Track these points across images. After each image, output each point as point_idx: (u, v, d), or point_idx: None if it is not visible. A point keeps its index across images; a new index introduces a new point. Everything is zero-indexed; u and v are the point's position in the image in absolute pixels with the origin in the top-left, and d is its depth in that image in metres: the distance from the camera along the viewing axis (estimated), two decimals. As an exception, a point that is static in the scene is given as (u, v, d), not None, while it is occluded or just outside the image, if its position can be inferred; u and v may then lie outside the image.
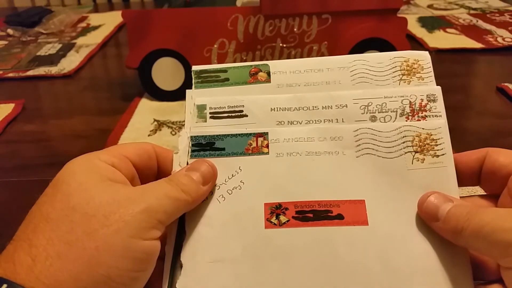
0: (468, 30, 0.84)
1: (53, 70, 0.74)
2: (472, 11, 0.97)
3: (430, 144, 0.27)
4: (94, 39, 0.89)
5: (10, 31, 0.93)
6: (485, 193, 0.27)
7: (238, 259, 0.26)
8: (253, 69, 0.30)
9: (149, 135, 0.53)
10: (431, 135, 0.27)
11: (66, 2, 1.35)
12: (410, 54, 0.29)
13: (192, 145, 0.28)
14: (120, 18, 0.61)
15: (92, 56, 0.81)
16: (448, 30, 0.85)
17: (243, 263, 0.26)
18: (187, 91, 0.30)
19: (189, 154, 0.28)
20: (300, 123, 0.29)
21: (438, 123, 0.27)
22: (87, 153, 0.25)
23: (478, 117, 0.55)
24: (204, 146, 0.28)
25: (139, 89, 0.62)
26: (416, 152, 0.27)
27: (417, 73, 0.29)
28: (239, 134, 0.28)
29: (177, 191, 0.24)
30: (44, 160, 0.50)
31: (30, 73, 0.73)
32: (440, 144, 0.27)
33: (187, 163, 0.27)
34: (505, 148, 0.26)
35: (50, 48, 0.84)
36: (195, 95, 0.30)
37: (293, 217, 0.26)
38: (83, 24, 1.00)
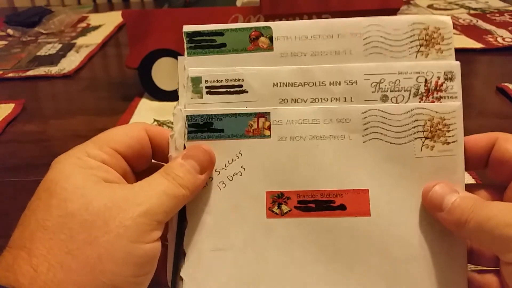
0: (468, 30, 0.84)
1: (53, 70, 0.74)
2: (472, 11, 0.97)
3: (442, 130, 0.26)
4: (94, 39, 0.89)
5: (10, 31, 0.93)
6: (490, 184, 0.27)
7: (240, 248, 0.26)
8: (253, 33, 0.27)
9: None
10: (444, 119, 0.26)
11: (66, 2, 1.35)
12: (431, 20, 0.26)
13: (188, 125, 0.26)
14: (120, 18, 0.60)
15: (92, 56, 0.81)
16: (448, 30, 0.85)
17: (245, 252, 0.26)
18: (179, 58, 0.27)
19: (186, 136, 0.26)
20: (305, 101, 0.26)
21: (453, 106, 0.26)
22: (74, 148, 0.24)
23: (478, 117, 0.55)
24: (201, 127, 0.26)
25: (139, 89, 0.62)
26: (426, 138, 0.25)
27: (437, 44, 0.26)
28: (238, 114, 0.26)
29: (175, 186, 0.23)
30: (44, 160, 0.49)
31: (30, 73, 0.73)
32: (452, 130, 0.26)
33: (184, 146, 0.26)
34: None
35: (50, 48, 0.84)
36: (188, 65, 0.27)
37: (295, 207, 0.26)
38: (83, 24, 1.00)
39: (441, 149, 0.25)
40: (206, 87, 0.26)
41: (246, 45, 0.27)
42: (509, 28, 0.84)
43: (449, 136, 0.26)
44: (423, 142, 0.26)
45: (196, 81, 0.26)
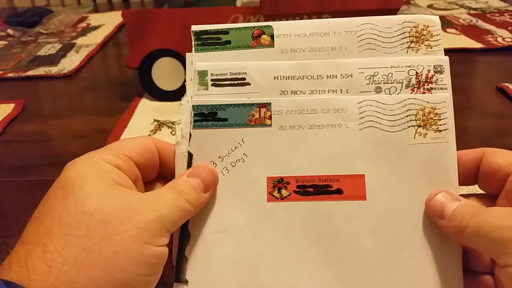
0: (468, 30, 0.84)
1: (53, 70, 0.74)
2: (472, 11, 0.97)
3: (434, 118, 0.27)
4: (94, 39, 0.89)
5: (10, 31, 0.93)
6: (483, 194, 0.27)
7: (242, 230, 0.27)
8: (256, 31, 0.29)
9: (149, 135, 0.53)
10: (435, 109, 0.27)
11: (66, 2, 1.35)
12: (420, 19, 0.29)
13: (194, 115, 0.28)
14: (120, 18, 0.61)
15: (92, 56, 0.81)
16: (448, 30, 0.85)
17: (246, 233, 0.27)
18: (187, 54, 0.29)
19: (192, 124, 0.28)
20: (304, 93, 0.28)
21: (443, 97, 0.27)
22: (89, 153, 0.25)
23: (478, 117, 0.55)
24: (206, 116, 0.28)
25: (139, 89, 0.62)
26: (419, 126, 0.27)
27: (426, 40, 0.28)
28: (241, 104, 0.28)
29: (181, 200, 0.24)
30: (44, 160, 0.50)
31: (30, 73, 0.73)
32: (443, 119, 0.27)
33: (190, 134, 0.28)
34: (504, 149, 0.26)
35: (50, 48, 0.84)
36: (195, 60, 0.29)
37: (294, 191, 0.27)
38: (83, 24, 1.00)
39: (433, 136, 0.27)
40: (212, 80, 0.28)
41: (249, 42, 0.29)
42: (509, 28, 0.84)
43: (440, 125, 0.27)
44: (416, 130, 0.27)
45: (202, 74, 0.28)
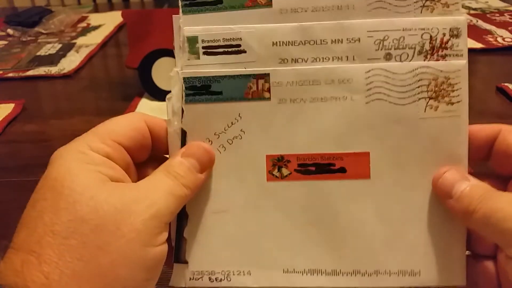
0: (468, 30, 0.83)
1: (53, 70, 0.74)
2: (472, 11, 0.97)
3: (447, 89, 0.25)
4: (94, 39, 0.89)
5: (10, 31, 0.93)
6: (493, 174, 0.26)
7: (240, 210, 0.26)
8: None
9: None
10: (449, 79, 0.25)
11: (66, 2, 1.35)
12: None
13: (186, 88, 0.26)
14: (120, 18, 0.61)
15: (92, 56, 0.81)
16: (448, 30, 0.85)
17: (246, 214, 0.26)
18: (174, 17, 0.26)
19: (184, 99, 0.26)
20: (306, 61, 0.25)
21: (458, 65, 0.25)
22: (75, 140, 0.24)
23: (478, 117, 0.54)
24: (199, 90, 0.25)
25: (139, 89, 0.62)
26: (430, 98, 0.25)
27: None
28: (237, 76, 0.25)
29: (178, 186, 0.23)
30: (44, 160, 0.49)
31: (30, 73, 0.73)
32: (456, 90, 0.25)
33: (182, 110, 0.26)
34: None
35: (50, 48, 0.84)
36: (183, 24, 0.26)
37: (295, 170, 0.26)
38: (83, 24, 1.00)
39: (445, 110, 0.25)
40: (203, 47, 0.26)
41: (244, 1, 0.26)
42: (509, 28, 0.84)
43: (453, 96, 0.25)
44: (427, 103, 0.25)
45: (192, 41, 0.26)
